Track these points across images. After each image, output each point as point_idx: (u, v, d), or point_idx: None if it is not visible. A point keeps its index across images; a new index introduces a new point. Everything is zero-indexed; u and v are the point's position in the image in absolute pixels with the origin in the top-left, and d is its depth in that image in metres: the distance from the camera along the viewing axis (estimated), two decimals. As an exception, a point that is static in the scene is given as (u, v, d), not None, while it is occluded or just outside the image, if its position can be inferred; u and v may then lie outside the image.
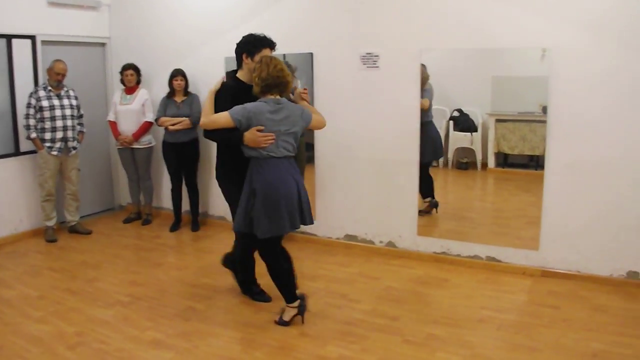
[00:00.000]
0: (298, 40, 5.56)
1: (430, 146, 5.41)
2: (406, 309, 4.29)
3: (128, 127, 6.36)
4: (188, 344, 3.82)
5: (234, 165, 4.07)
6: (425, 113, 5.25)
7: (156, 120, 6.22)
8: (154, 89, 6.50)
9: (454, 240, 5.27)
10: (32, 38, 6.06)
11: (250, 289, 4.55)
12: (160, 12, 6.57)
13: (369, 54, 5.27)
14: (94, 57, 6.89)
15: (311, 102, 4.84)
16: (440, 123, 5.62)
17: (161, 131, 6.31)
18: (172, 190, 6.44)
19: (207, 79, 6.16)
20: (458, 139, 5.74)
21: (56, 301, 4.54)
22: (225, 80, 4.17)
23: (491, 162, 5.69)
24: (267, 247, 3.97)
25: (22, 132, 5.95)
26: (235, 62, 4.17)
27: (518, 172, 5.66)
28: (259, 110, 3.72)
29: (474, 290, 4.66)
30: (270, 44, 4.02)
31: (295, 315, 4.04)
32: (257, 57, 3.91)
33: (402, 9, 5.13)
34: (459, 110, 5.65)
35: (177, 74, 6.09)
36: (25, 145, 6.03)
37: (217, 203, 6.59)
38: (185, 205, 6.48)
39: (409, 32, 5.11)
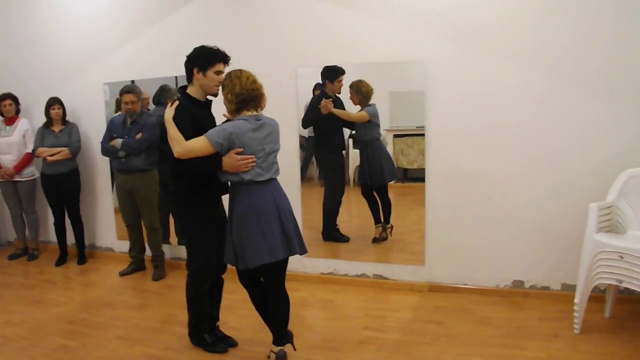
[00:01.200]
0: (177, 63, 5.39)
1: (380, 167, 5.31)
2: (286, 335, 4.18)
3: (9, 159, 6.10)
4: (54, 388, 3.61)
5: (191, 191, 3.68)
6: (371, 131, 5.19)
7: (33, 151, 5.98)
8: (35, 119, 6.24)
9: (340, 260, 5.22)
10: None
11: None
12: (34, 39, 6.33)
13: (245, 72, 5.19)
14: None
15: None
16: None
17: (41, 163, 6.06)
18: (55, 223, 6.19)
19: (86, 106, 6.04)
20: (356, 157, 5.67)
21: None
22: (177, 100, 3.69)
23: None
24: (247, 276, 3.71)
25: None
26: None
27: (418, 185, 5.59)
28: (240, 129, 3.37)
29: (358, 310, 4.60)
30: (224, 59, 3.68)
31: None
32: (209, 73, 3.60)
33: (275, 29, 5.11)
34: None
35: (54, 102, 5.88)
36: None
37: (103, 234, 6.40)
38: (71, 238, 6.21)
39: (284, 51, 5.08)
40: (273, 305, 3.67)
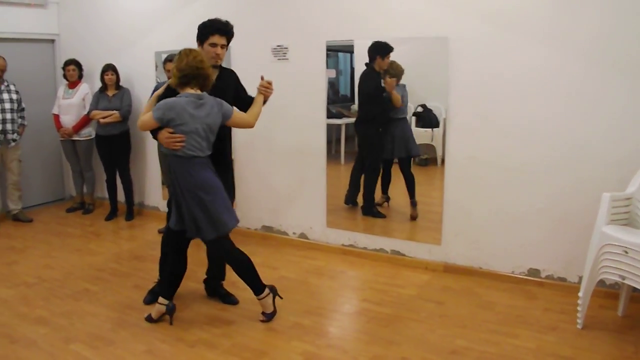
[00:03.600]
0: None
1: (402, 143, 5.38)
2: (287, 299, 4.27)
3: (70, 120, 6.59)
4: (66, 322, 3.99)
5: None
6: (397, 109, 5.24)
7: (88, 113, 6.43)
8: (97, 84, 6.67)
9: (361, 233, 5.29)
10: (-22, 35, 6.35)
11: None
12: (100, 9, 6.79)
13: (279, 46, 5.36)
14: (43, 53, 7.16)
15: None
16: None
17: (96, 124, 6.50)
18: (107, 181, 6.66)
19: (139, 73, 6.42)
20: (419, 136, 5.66)
21: (-31, 280, 4.79)
22: None
23: None
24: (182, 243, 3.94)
25: (-34, 125, 6.23)
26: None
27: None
28: (179, 105, 3.50)
29: (365, 283, 4.68)
30: (219, 30, 3.79)
31: (164, 314, 3.96)
32: (205, 45, 3.78)
33: (305, 4, 5.21)
34: (423, 106, 5.49)
35: (108, 68, 6.29)
36: (-32, 137, 6.29)
37: (152, 193, 6.81)
38: (121, 196, 6.66)
39: (314, 24, 5.18)
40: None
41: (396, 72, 5.11)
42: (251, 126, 3.87)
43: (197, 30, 3.85)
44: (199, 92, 3.60)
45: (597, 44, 4.04)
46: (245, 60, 5.54)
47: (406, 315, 4.05)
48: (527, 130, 4.37)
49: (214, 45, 3.79)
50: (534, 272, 4.51)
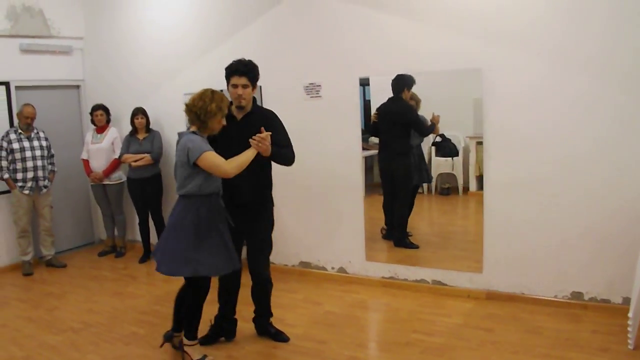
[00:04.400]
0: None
1: (417, 170, 5.57)
2: (337, 333, 4.35)
3: (99, 164, 6.66)
4: (119, 366, 4.01)
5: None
6: (415, 137, 5.46)
7: (119, 157, 6.50)
8: (124, 128, 6.78)
9: (401, 265, 5.32)
10: (7, 84, 6.44)
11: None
12: (126, 54, 6.91)
13: (312, 84, 5.45)
14: (69, 99, 7.26)
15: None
16: (423, 149, 5.65)
17: (127, 168, 6.56)
18: (139, 223, 6.70)
19: (168, 115, 6.52)
20: (440, 165, 5.78)
21: (15, 329, 4.79)
22: None
23: (473, 185, 5.63)
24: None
25: (-1, 174, 6.30)
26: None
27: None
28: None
29: (411, 314, 4.70)
30: (237, 70, 3.88)
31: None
32: (229, 86, 3.91)
33: (339, 40, 5.30)
34: (442, 136, 5.62)
35: (138, 112, 6.38)
36: (1, 185, 6.32)
37: (184, 235, 6.78)
38: (154, 238, 6.67)
39: (346, 61, 5.28)
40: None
41: (417, 101, 5.29)
42: (226, 175, 3.67)
43: None
44: (193, 128, 3.72)
45: (628, 64, 4.13)
46: (277, 99, 5.61)
47: (458, 344, 4.08)
48: (566, 154, 4.44)
49: (235, 86, 3.88)
50: (577, 295, 4.55)
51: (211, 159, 3.60)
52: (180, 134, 3.75)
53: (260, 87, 5.63)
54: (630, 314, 3.80)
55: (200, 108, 3.61)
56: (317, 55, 5.43)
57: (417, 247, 5.53)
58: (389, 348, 4.11)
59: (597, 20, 4.21)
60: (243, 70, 3.87)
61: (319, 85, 5.41)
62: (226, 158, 3.63)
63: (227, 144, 3.79)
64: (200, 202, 3.70)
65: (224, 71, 3.94)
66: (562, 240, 4.55)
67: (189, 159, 3.61)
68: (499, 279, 4.85)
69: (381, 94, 5.40)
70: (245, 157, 3.70)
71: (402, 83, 5.24)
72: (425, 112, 5.34)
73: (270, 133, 3.72)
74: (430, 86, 5.27)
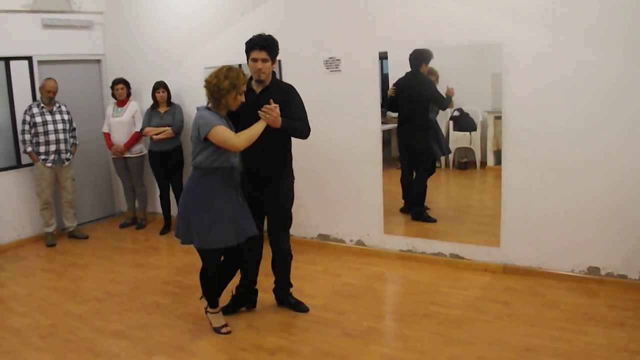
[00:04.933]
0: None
1: (436, 144, 5.59)
2: (355, 304, 4.43)
3: (120, 137, 6.75)
4: (144, 334, 4.13)
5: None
6: (434, 113, 5.49)
7: (141, 130, 6.58)
8: (144, 101, 6.86)
9: (419, 238, 5.38)
10: (29, 59, 6.54)
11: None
12: (146, 28, 6.96)
13: (331, 58, 5.47)
14: (90, 73, 7.34)
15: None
16: (441, 123, 5.66)
17: (149, 141, 6.65)
18: (160, 196, 6.82)
19: (189, 89, 6.56)
20: (458, 139, 5.78)
21: (41, 298, 4.93)
22: None
23: (490, 160, 5.60)
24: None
25: (22, 147, 6.39)
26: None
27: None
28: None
29: (429, 286, 4.76)
30: (257, 44, 3.90)
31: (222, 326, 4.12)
32: (249, 60, 3.93)
33: (359, 14, 5.30)
34: (459, 110, 5.63)
35: (159, 86, 6.44)
36: (25, 159, 6.47)
37: (204, 207, 6.88)
38: (175, 210, 6.75)
39: (366, 35, 5.28)
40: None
41: (436, 75, 5.30)
42: (236, 148, 3.72)
43: None
44: (210, 105, 3.81)
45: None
46: (296, 73, 5.63)
47: (475, 317, 4.14)
48: (581, 130, 4.45)
49: (254, 60, 3.90)
50: (593, 270, 4.58)
51: (221, 133, 3.65)
52: (197, 109, 3.83)
53: (280, 61, 5.64)
54: (648, 288, 3.85)
55: (214, 86, 3.68)
56: (337, 30, 5.44)
57: (434, 220, 5.56)
58: (406, 319, 4.17)
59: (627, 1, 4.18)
60: (263, 45, 3.89)
61: (339, 60, 5.42)
62: None
63: (247, 118, 3.86)
64: (210, 174, 3.78)
65: (244, 45, 3.96)
66: (580, 216, 4.57)
67: (199, 134, 3.69)
68: (516, 253, 4.89)
69: (399, 67, 5.39)
70: (255, 130, 3.76)
71: (420, 57, 5.23)
72: (442, 86, 5.33)
73: (277, 105, 3.78)
74: (448, 60, 5.26)
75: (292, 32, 5.58)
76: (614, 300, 4.27)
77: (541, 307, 4.23)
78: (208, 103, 3.80)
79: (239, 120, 3.92)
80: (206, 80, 3.72)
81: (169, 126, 6.41)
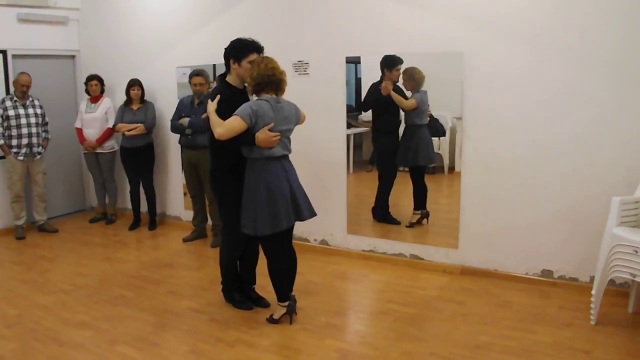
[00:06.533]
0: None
1: (423, 150, 5.59)
2: (315, 301, 4.55)
3: (92, 133, 6.82)
4: (108, 325, 4.22)
5: (230, 169, 4.11)
6: (416, 116, 5.46)
7: (113, 126, 6.67)
8: (117, 98, 6.94)
9: (381, 239, 5.52)
10: (3, 52, 6.59)
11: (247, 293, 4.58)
12: (121, 26, 7.04)
13: (300, 61, 5.59)
14: (64, 69, 7.40)
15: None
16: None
17: (120, 137, 6.72)
18: (131, 192, 6.90)
19: (161, 86, 6.68)
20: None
21: (8, 289, 5.00)
22: (217, 88, 4.18)
23: (458, 165, 5.63)
24: (270, 243, 4.05)
25: (-7, 140, 6.44)
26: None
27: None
28: (262, 109, 3.78)
29: (388, 285, 4.90)
30: (257, 49, 4.01)
31: (284, 314, 4.16)
32: (244, 63, 3.96)
33: (325, 20, 5.45)
34: (430, 116, 5.66)
35: (134, 83, 6.52)
36: (-5, 152, 6.52)
37: (173, 204, 7.06)
38: (144, 206, 6.89)
39: (333, 40, 5.41)
40: (288, 265, 4.15)
41: (414, 77, 5.34)
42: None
43: (230, 48, 4.07)
44: (274, 96, 3.89)
45: (611, 54, 4.27)
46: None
47: (430, 315, 4.28)
48: (543, 139, 4.60)
49: (251, 62, 3.96)
50: (547, 273, 4.75)
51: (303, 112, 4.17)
52: (256, 102, 3.89)
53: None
54: (593, 291, 4.01)
55: (270, 70, 3.87)
56: (306, 34, 5.56)
57: (398, 222, 5.70)
58: (363, 316, 4.33)
59: (580, 9, 4.33)
60: (262, 49, 4.05)
61: (307, 63, 5.56)
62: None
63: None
64: (248, 164, 3.96)
65: (235, 47, 4.03)
66: (535, 220, 4.73)
67: (297, 119, 4.10)
68: (474, 255, 5.05)
69: (372, 72, 5.52)
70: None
71: (382, 64, 5.39)
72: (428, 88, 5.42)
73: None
74: (420, 67, 5.33)
75: (264, 35, 5.58)
76: (565, 302, 4.43)
77: (495, 307, 4.38)
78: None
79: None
80: (267, 74, 3.84)
81: (141, 123, 6.49)
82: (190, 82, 5.95)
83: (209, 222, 6.35)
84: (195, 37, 6.31)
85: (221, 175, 4.17)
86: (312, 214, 4.11)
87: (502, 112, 4.74)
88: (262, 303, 4.49)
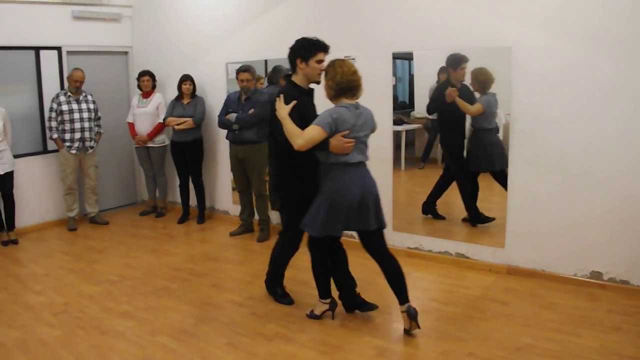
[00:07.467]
0: (286, 46, 5.88)
1: (483, 154, 5.42)
2: (356, 298, 4.53)
3: (144, 127, 6.98)
4: (150, 316, 4.32)
5: (294, 173, 4.05)
6: (483, 120, 5.26)
7: (164, 120, 6.80)
8: (169, 93, 7.08)
9: (427, 237, 5.46)
10: (58, 49, 6.82)
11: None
12: (172, 23, 7.19)
13: (347, 57, 5.51)
14: (117, 65, 7.61)
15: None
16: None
17: (171, 131, 6.84)
18: (180, 185, 7.02)
19: (211, 82, 6.79)
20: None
21: (57, 278, 5.20)
22: (283, 88, 4.06)
23: None
24: (319, 243, 4.02)
25: (48, 134, 6.66)
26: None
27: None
28: (343, 117, 3.68)
29: (433, 283, 4.85)
30: (324, 48, 3.94)
31: (326, 311, 4.18)
32: (311, 62, 3.88)
33: (370, 16, 5.43)
34: None
35: (186, 78, 6.65)
36: (51, 145, 6.75)
37: (222, 198, 7.16)
38: (194, 200, 7.00)
39: (378, 37, 5.38)
40: (385, 271, 4.08)
41: (479, 79, 5.14)
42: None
43: (296, 47, 3.97)
44: (353, 101, 3.80)
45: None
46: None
47: (472, 314, 4.21)
48: (590, 136, 4.47)
49: (320, 62, 3.91)
50: (596, 274, 4.60)
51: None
52: (336, 110, 3.79)
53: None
54: (644, 294, 3.88)
55: (352, 75, 3.81)
56: (353, 29, 5.54)
57: (444, 218, 5.63)
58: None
59: (630, 4, 4.19)
60: (328, 49, 3.99)
61: (354, 59, 5.52)
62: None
63: (307, 116, 3.89)
64: (325, 170, 3.87)
65: (301, 47, 3.95)
66: (584, 220, 4.59)
67: (373, 126, 4.00)
68: (521, 254, 4.94)
69: (424, 68, 5.49)
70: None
71: (447, 63, 5.24)
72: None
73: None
74: (472, 63, 5.18)
75: (310, 31, 5.60)
76: (614, 305, 4.28)
77: (539, 309, 4.27)
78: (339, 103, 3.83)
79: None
80: (350, 78, 3.77)
81: (190, 117, 6.59)
82: (237, 78, 5.98)
83: (256, 216, 6.41)
84: (243, 33, 6.38)
85: (285, 179, 4.12)
86: (381, 224, 3.97)
87: (549, 109, 4.62)
88: (367, 307, 4.32)
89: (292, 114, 3.77)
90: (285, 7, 5.97)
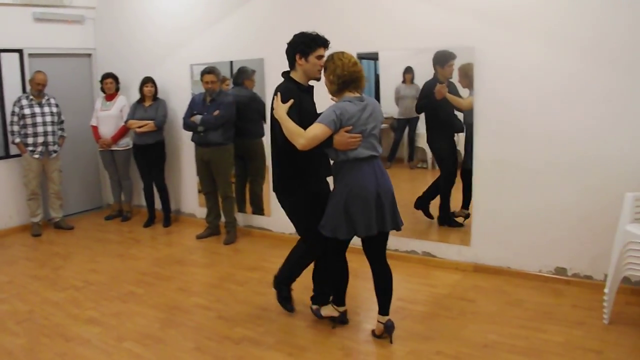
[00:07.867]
0: (251, 47, 5.94)
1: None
2: (323, 299, 4.52)
3: (108, 131, 6.89)
4: (116, 322, 4.27)
5: (295, 175, 3.85)
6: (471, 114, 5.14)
7: (125, 122, 6.72)
8: (132, 96, 6.99)
9: (393, 236, 5.39)
10: (20, 52, 6.70)
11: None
12: (136, 24, 7.12)
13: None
14: (81, 67, 7.51)
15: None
16: None
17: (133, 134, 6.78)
18: (144, 189, 6.95)
19: (176, 84, 6.72)
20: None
21: (21, 285, 5.09)
22: (280, 85, 3.84)
23: None
24: (338, 247, 3.91)
25: (10, 138, 6.54)
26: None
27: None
28: (347, 112, 3.50)
29: (399, 283, 4.79)
30: (324, 43, 3.79)
31: (331, 317, 4.09)
32: (311, 58, 3.73)
33: (338, 15, 5.42)
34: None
35: (148, 81, 6.58)
36: (13, 149, 6.62)
37: (188, 201, 7.10)
38: (159, 203, 6.94)
39: (346, 36, 5.29)
40: (376, 278, 3.92)
41: (468, 75, 4.98)
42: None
43: (295, 43, 3.81)
44: (357, 94, 3.62)
45: (622, 48, 4.19)
46: (278, 70, 5.66)
47: (440, 313, 4.24)
48: (551, 133, 4.54)
49: (320, 57, 3.77)
50: (560, 270, 4.67)
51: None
52: (340, 105, 3.58)
53: (263, 59, 5.82)
54: (606, 290, 3.93)
55: (354, 66, 3.61)
56: (317, 30, 5.45)
57: (463, 225, 5.39)
58: (372, 314, 4.23)
59: (592, 2, 4.26)
60: (328, 44, 3.84)
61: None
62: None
63: (308, 114, 3.76)
64: (336, 168, 3.70)
65: (300, 42, 3.79)
66: (548, 217, 4.66)
67: (380, 122, 3.72)
68: (486, 252, 4.99)
69: (391, 68, 5.48)
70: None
71: (433, 61, 5.13)
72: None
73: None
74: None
75: (276, 31, 5.65)
76: (578, 300, 4.35)
77: (505, 305, 4.31)
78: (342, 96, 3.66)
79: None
80: (352, 70, 3.58)
81: (152, 120, 6.52)
82: (202, 80, 5.93)
83: (223, 219, 6.37)
84: (208, 34, 6.34)
85: (287, 186, 3.93)
86: (397, 226, 3.79)
87: (513, 107, 4.68)
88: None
89: (291, 112, 3.62)
90: (251, 8, 5.94)
